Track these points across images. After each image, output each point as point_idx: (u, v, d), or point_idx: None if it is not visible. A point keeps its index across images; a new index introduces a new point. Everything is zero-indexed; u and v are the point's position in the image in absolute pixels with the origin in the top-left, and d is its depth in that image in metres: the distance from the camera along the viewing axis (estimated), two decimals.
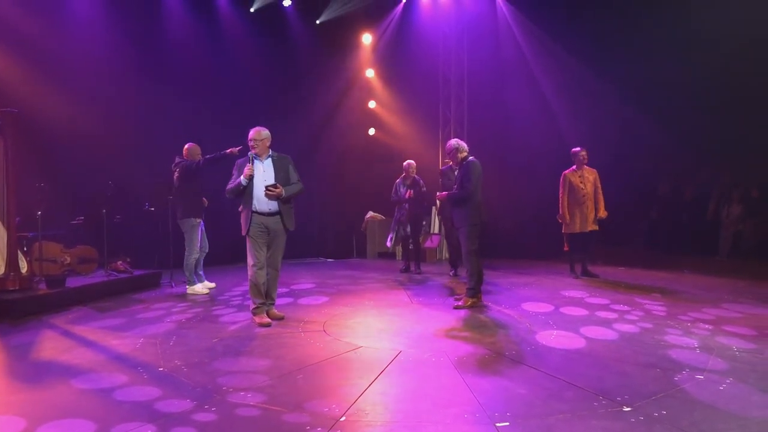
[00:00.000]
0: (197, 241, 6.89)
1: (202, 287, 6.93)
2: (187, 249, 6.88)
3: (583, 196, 7.53)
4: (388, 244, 8.38)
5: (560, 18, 9.74)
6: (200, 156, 6.88)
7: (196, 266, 6.98)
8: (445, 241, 9.63)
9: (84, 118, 8.04)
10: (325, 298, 6.52)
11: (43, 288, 6.20)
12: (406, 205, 8.20)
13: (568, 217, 7.53)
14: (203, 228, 7.05)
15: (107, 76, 8.45)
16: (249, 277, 5.26)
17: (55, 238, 7.10)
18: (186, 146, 7.00)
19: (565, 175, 7.62)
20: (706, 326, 5.07)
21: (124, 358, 4.27)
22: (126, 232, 8.12)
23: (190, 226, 6.85)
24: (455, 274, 8.13)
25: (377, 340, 4.76)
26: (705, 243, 9.86)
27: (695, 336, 4.74)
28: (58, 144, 7.87)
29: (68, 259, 7.05)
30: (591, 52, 9.71)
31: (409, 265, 8.48)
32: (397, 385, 3.69)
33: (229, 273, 8.41)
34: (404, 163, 8.29)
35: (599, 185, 7.65)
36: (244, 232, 5.23)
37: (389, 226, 8.94)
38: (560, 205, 7.63)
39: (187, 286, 6.93)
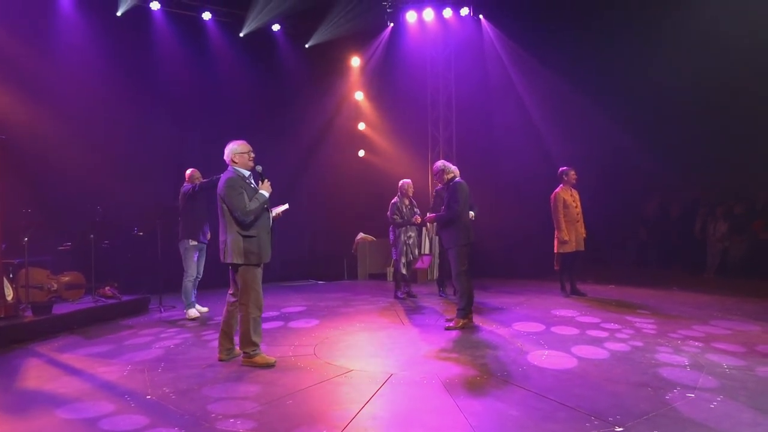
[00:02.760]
0: (193, 264, 6.87)
1: (195, 312, 6.86)
2: (184, 272, 6.88)
3: (577, 214, 7.55)
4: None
5: (545, 41, 9.92)
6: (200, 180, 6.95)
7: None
8: (436, 261, 9.60)
9: (72, 143, 8.03)
10: (315, 321, 6.47)
11: (29, 315, 6.10)
12: (417, 228, 7.91)
13: (568, 236, 7.42)
14: (201, 253, 7.03)
15: (95, 101, 8.46)
16: (254, 315, 4.64)
17: (42, 264, 7.02)
18: (187, 172, 7.08)
19: (557, 193, 7.57)
20: (696, 344, 5.08)
21: (111, 386, 4.20)
22: (114, 258, 8.05)
23: (184, 248, 6.86)
24: (442, 294, 8.08)
25: (368, 363, 4.73)
26: (693, 260, 9.93)
27: (685, 354, 4.76)
28: (46, 169, 7.85)
29: (55, 285, 6.97)
30: (577, 74, 9.89)
31: (410, 290, 8.10)
32: (388, 409, 3.65)
33: (220, 296, 8.31)
34: (401, 183, 7.93)
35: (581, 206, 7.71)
36: (267, 260, 4.74)
37: (383, 248, 8.75)
38: (558, 224, 7.48)
39: (184, 310, 6.89)
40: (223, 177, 4.68)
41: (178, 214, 6.98)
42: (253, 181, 4.77)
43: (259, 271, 4.70)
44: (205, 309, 7.11)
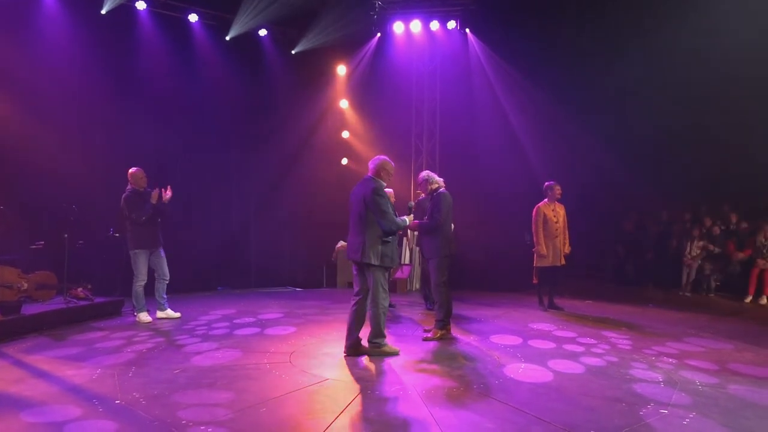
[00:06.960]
0: (144, 269, 6.76)
1: (146, 316, 6.74)
2: (134, 276, 6.79)
3: (557, 230, 7.60)
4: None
5: (529, 57, 10.04)
6: (145, 181, 6.87)
7: (156, 293, 6.91)
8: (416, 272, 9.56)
9: (49, 141, 7.88)
10: (292, 329, 6.40)
11: None
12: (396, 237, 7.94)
13: (544, 250, 7.51)
14: (162, 255, 6.94)
15: (74, 99, 8.31)
16: (383, 310, 5.11)
17: (13, 263, 6.85)
18: (131, 170, 6.87)
19: (538, 208, 7.63)
20: (670, 360, 5.14)
21: (79, 389, 4.09)
22: (89, 258, 7.89)
23: (134, 254, 6.75)
24: (429, 307, 7.99)
25: (344, 372, 4.68)
26: (669, 278, 10.06)
27: (660, 370, 4.80)
28: (20, 166, 7.67)
29: (25, 284, 6.80)
30: (560, 90, 10.02)
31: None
32: (363, 419, 3.61)
33: (197, 300, 8.21)
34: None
35: (566, 221, 7.76)
36: (397, 265, 5.30)
37: None
38: (535, 238, 7.58)
39: (135, 314, 6.80)
40: (370, 185, 5.09)
41: (125, 219, 6.77)
42: None
43: (388, 273, 5.22)
44: (177, 315, 6.99)
